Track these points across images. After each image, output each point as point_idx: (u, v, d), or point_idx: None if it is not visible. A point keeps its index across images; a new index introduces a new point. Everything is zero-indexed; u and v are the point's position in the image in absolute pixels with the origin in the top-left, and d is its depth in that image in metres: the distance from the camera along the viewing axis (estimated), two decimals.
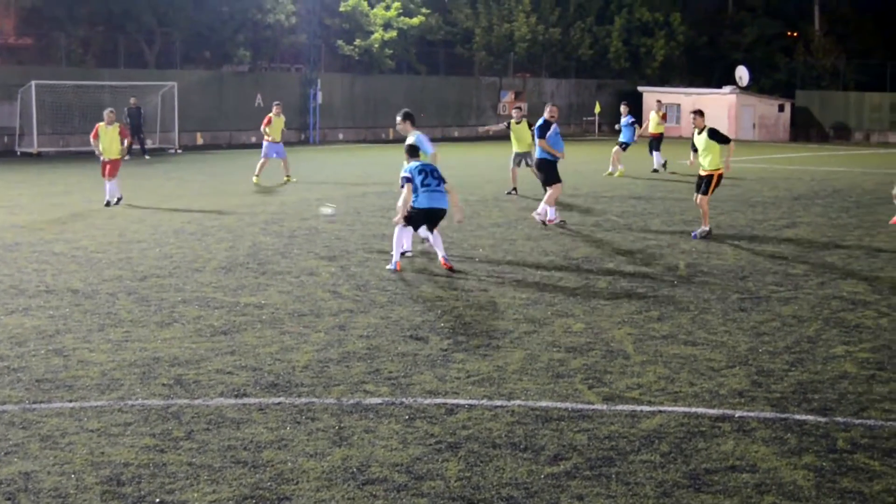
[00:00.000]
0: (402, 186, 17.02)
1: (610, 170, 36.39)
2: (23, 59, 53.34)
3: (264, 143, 32.50)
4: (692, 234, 21.01)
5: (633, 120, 37.87)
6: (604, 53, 71.43)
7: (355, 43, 57.98)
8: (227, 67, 56.39)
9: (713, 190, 21.11)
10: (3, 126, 45.32)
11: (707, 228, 21.09)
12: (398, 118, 19.11)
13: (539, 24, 67.22)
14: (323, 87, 55.36)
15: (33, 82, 43.99)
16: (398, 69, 61.91)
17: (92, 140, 26.19)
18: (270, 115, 32.63)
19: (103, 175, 25.87)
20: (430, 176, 17.17)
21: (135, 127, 42.24)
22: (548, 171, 23.05)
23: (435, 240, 17.24)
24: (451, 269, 16.76)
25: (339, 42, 58.06)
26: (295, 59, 60.15)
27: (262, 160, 32.52)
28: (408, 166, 17.30)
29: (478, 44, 66.40)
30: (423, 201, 16.97)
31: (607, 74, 72.27)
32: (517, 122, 29.06)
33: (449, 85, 63.82)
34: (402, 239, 17.42)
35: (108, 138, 25.90)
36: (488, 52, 66.71)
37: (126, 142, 26.90)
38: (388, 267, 16.89)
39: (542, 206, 22.71)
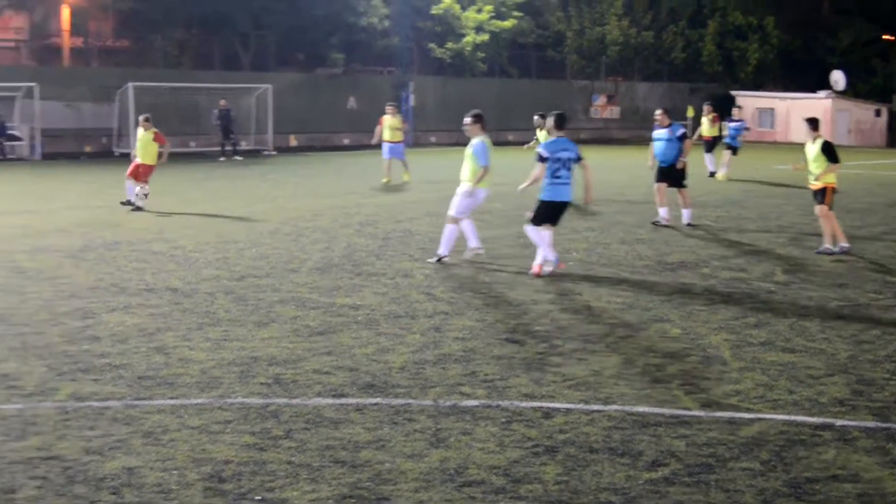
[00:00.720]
0: (539, 161, 16.75)
1: (722, 171, 36.13)
2: (120, 62, 54.24)
3: (384, 145, 33.50)
4: (822, 250, 19.46)
5: (744, 124, 37.41)
6: (697, 57, 70.91)
7: (447, 46, 58.18)
8: (321, 70, 56.81)
9: (829, 202, 19.44)
10: (101, 127, 46.08)
11: (837, 246, 19.32)
12: (467, 119, 17.87)
13: (631, 28, 66.92)
14: (415, 90, 55.59)
15: (131, 84, 44.68)
16: (490, 72, 61.97)
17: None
18: (385, 116, 33.75)
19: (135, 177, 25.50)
20: (564, 167, 16.71)
21: (224, 128, 42.74)
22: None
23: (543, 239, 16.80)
24: (544, 274, 16.52)
25: (432, 45, 58.29)
26: (387, 61, 60.44)
27: (386, 161, 33.35)
28: (547, 143, 16.96)
29: (570, 47, 66.29)
30: (549, 193, 16.70)
31: (700, 78, 71.71)
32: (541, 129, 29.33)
33: (540, 88, 63.73)
34: (543, 238, 16.85)
35: (142, 143, 25.93)
36: (580, 55, 66.57)
37: (164, 149, 26.24)
38: (545, 269, 16.75)
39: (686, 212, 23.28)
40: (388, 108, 34.39)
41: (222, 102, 43.79)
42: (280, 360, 11.41)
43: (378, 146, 34.30)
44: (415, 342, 12.25)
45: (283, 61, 57.07)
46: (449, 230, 17.60)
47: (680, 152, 23.15)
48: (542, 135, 26.56)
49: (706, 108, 38.89)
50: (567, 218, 23.64)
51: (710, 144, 38.17)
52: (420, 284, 15.80)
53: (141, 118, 26.69)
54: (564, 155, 16.71)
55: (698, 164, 38.13)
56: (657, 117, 23.47)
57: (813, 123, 19.62)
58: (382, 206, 25.92)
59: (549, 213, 16.79)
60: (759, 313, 14.20)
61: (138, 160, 25.62)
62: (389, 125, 33.52)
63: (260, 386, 10.42)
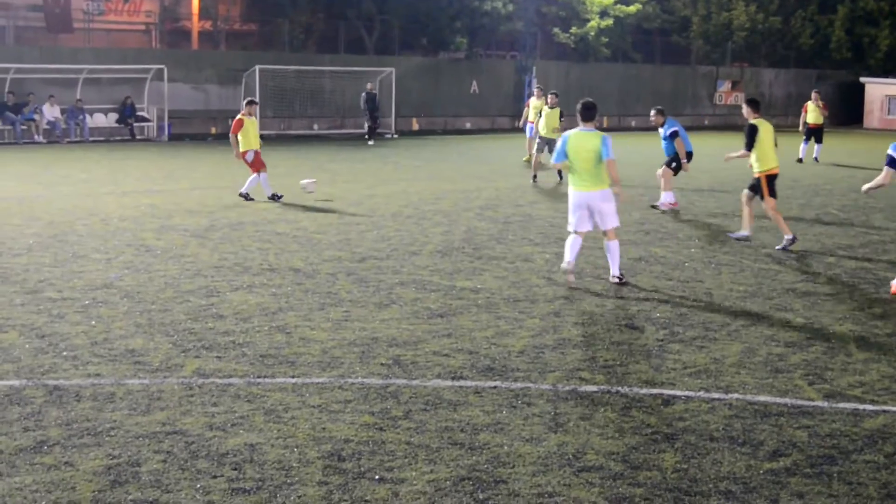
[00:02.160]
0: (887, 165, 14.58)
1: None
2: (247, 45, 54.96)
3: (528, 126, 34.90)
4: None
5: None
6: (825, 43, 69.56)
7: (571, 31, 57.89)
8: (444, 54, 56.91)
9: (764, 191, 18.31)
10: (229, 108, 46.69)
11: (739, 234, 18.93)
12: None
13: (758, 13, 65.90)
14: (538, 75, 55.39)
15: (257, 67, 45.25)
16: (613, 57, 61.52)
17: (233, 135, 23.71)
18: (532, 98, 35.30)
19: (261, 167, 23.76)
20: None
21: (371, 112, 43.06)
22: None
23: None
24: None
25: (555, 30, 58.05)
26: (510, 46, 60.37)
27: (528, 140, 34.85)
28: None
29: (695, 32, 65.53)
30: None
31: (828, 65, 70.37)
32: (551, 108, 29.80)
33: (664, 74, 63.11)
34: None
35: (254, 130, 23.79)
36: (705, 40, 65.77)
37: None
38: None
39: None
40: (536, 91, 35.61)
41: (369, 86, 44.08)
42: (400, 341, 11.49)
43: (520, 129, 34.68)
44: (534, 326, 12.25)
45: (407, 45, 57.27)
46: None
47: (675, 152, 23.36)
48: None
49: (814, 94, 38.14)
50: (689, 205, 23.46)
51: (817, 132, 37.56)
52: (540, 269, 15.79)
53: (249, 104, 24.38)
54: None
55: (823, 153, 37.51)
56: (651, 118, 23.42)
57: (753, 105, 19.06)
58: (503, 191, 25.92)
59: None
60: (885, 304, 13.93)
61: (256, 148, 23.74)
62: (535, 107, 34.16)
63: (380, 367, 10.51)
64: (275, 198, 23.48)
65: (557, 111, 29.65)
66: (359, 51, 53.97)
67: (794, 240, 18.10)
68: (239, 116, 23.68)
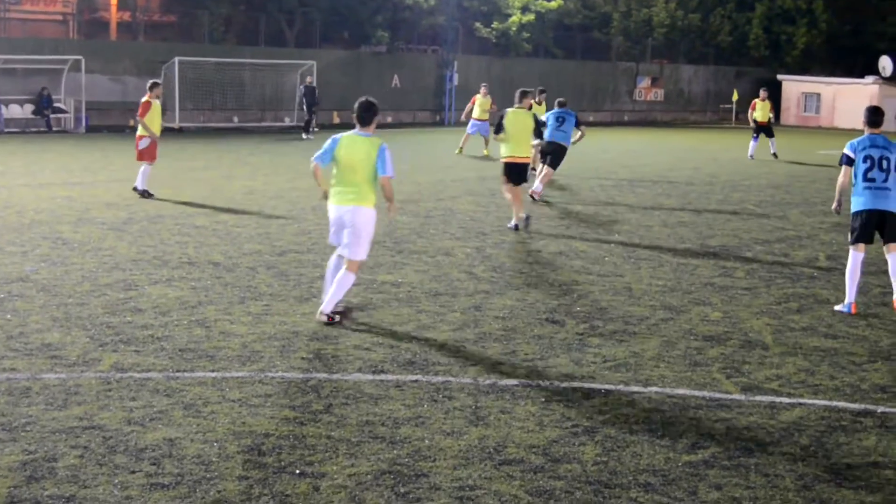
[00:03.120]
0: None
1: None
2: (166, 36, 54.44)
3: (471, 122, 36.12)
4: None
5: None
6: (743, 40, 70.36)
7: (493, 25, 58.03)
8: (365, 48, 56.78)
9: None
10: None
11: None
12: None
13: (678, 10, 66.51)
14: (459, 70, 55.48)
15: (176, 58, 44.84)
16: (535, 53, 61.75)
17: (141, 119, 22.77)
18: (476, 96, 36.74)
19: (150, 159, 22.78)
20: (878, 167, 13.51)
21: (310, 105, 42.76)
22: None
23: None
24: None
25: (477, 24, 58.16)
26: (432, 40, 60.36)
27: (465, 135, 36.08)
28: (854, 142, 13.79)
29: (615, 28, 65.97)
30: (861, 201, 13.69)
31: (746, 62, 71.21)
32: (538, 105, 30.43)
33: (585, 69, 63.47)
34: (856, 269, 13.71)
35: (157, 116, 22.99)
36: (626, 37, 66.24)
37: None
38: (837, 308, 13.65)
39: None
40: (482, 90, 37.30)
41: (308, 79, 43.78)
42: (321, 335, 11.45)
43: (440, 123, 34.84)
44: (455, 320, 12.26)
45: (328, 38, 57.04)
46: None
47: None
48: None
49: (762, 93, 38.67)
50: (609, 200, 23.65)
51: (766, 129, 38.18)
52: (461, 263, 15.81)
53: (158, 87, 23.31)
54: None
55: (740, 149, 37.97)
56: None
57: (523, 95, 19.89)
58: (424, 185, 25.92)
59: None
60: (801, 298, 14.13)
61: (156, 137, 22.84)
62: (480, 104, 36.15)
63: (300, 360, 10.46)
64: (146, 194, 22.24)
65: (543, 108, 30.28)
66: (279, 44, 53.68)
67: (527, 218, 19.11)
68: (146, 99, 22.72)
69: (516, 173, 19.46)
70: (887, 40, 72.11)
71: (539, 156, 24.28)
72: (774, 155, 38.10)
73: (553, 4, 59.02)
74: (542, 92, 32.02)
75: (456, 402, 9.31)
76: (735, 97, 64.31)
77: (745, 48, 70.58)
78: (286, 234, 17.98)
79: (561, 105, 25.35)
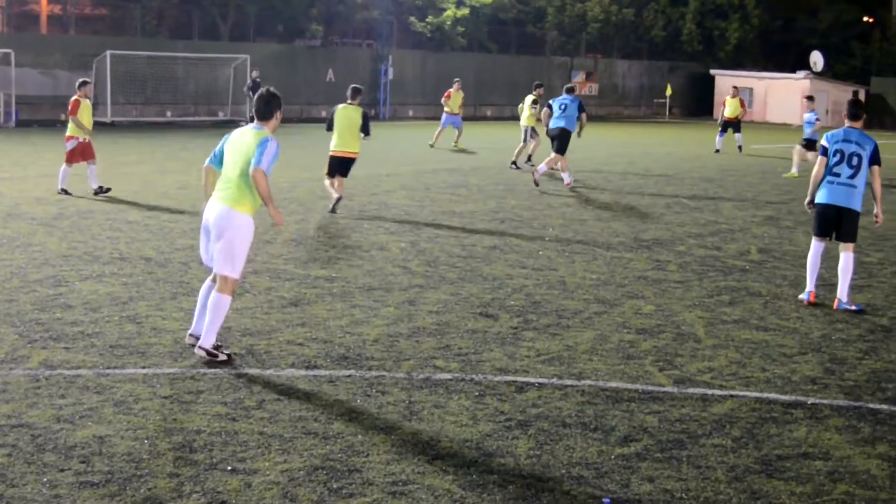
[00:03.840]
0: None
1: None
2: (98, 30, 53.90)
3: (444, 115, 37.52)
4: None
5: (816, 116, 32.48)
6: (677, 35, 70.86)
7: (427, 20, 57.98)
8: (300, 42, 56.53)
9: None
10: None
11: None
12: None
13: (612, 5, 66.84)
14: (394, 64, 55.40)
15: (108, 52, 44.40)
16: (469, 47, 61.77)
17: (73, 117, 22.14)
18: (451, 90, 37.61)
19: (87, 159, 22.15)
20: (846, 162, 13.47)
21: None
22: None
23: (845, 266, 13.62)
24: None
25: (412, 19, 58.08)
26: (367, 34, 60.22)
27: (440, 129, 37.48)
28: (829, 133, 13.84)
29: (550, 23, 66.15)
30: (823, 195, 13.70)
31: (680, 57, 71.71)
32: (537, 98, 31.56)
33: (520, 64, 63.56)
34: (815, 259, 13.88)
35: (88, 115, 22.44)
36: (560, 31, 66.45)
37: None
38: (800, 297, 13.92)
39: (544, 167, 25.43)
40: (455, 84, 38.17)
41: (255, 73, 43.39)
42: (253, 330, 11.37)
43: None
44: (389, 315, 12.23)
45: (262, 32, 56.73)
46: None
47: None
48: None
49: (733, 90, 40.37)
50: (544, 194, 23.73)
51: (735, 125, 39.57)
52: (395, 258, 15.77)
53: (89, 86, 22.98)
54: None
55: (673, 143, 38.24)
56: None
57: (355, 92, 21.40)
58: (359, 179, 25.79)
59: None
60: (733, 291, 14.24)
61: (88, 137, 22.25)
62: (454, 98, 37.42)
63: (233, 356, 10.37)
64: (101, 190, 21.80)
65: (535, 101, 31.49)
66: (213, 37, 53.29)
67: (339, 199, 20.09)
68: (75, 97, 22.27)
69: (342, 167, 20.60)
70: (818, 35, 73.04)
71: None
72: (739, 148, 39.30)
73: None
74: (538, 86, 32.38)
75: (389, 397, 9.28)
76: (669, 92, 64.75)
77: (679, 43, 71.09)
78: None
79: (569, 91, 27.45)
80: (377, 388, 9.50)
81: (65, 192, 21.83)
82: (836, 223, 13.61)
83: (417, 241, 17.24)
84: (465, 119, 38.68)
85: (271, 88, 11.00)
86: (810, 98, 32.61)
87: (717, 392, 9.76)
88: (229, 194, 10.33)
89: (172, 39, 51.33)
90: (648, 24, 69.68)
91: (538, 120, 29.65)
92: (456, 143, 37.33)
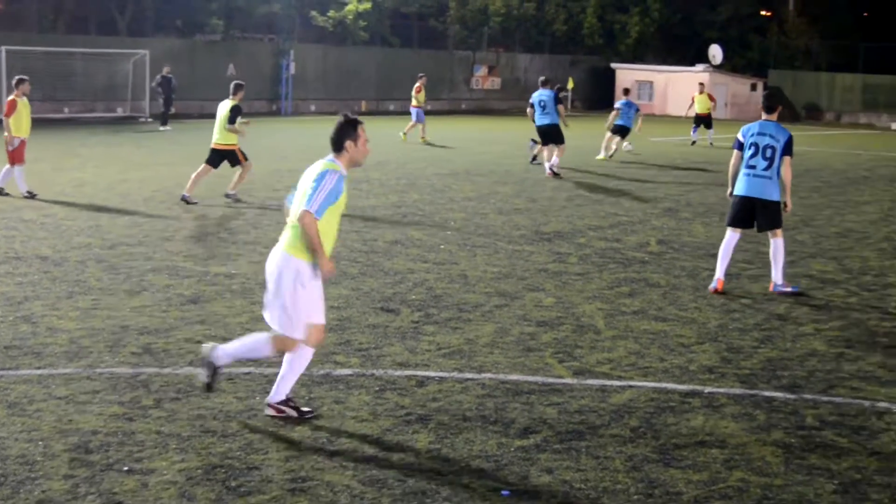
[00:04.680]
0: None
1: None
2: None
3: (414, 109, 38.47)
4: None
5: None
6: (578, 29, 71.33)
7: (329, 14, 57.73)
8: (200, 36, 56.02)
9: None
10: None
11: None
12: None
13: None
14: (296, 58, 55.06)
15: (3, 48, 43.55)
16: (372, 41, 61.64)
17: (7, 119, 21.52)
18: (419, 84, 38.93)
19: (21, 161, 21.50)
20: (761, 155, 13.80)
21: (167, 96, 41.71)
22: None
23: (774, 252, 14.11)
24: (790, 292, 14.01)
25: (313, 13, 57.79)
26: (268, 29, 59.84)
27: (413, 123, 38.33)
28: (745, 127, 14.16)
29: (452, 17, 66.22)
30: (740, 186, 13.99)
31: (581, 50, 72.17)
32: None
33: (422, 58, 63.51)
34: (727, 249, 14.20)
35: (27, 114, 21.80)
36: (462, 25, 66.54)
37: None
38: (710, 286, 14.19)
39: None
40: (423, 80, 39.62)
41: (166, 69, 42.75)
42: (151, 329, 11.24)
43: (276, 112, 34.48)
44: None
45: (161, 27, 56.15)
46: None
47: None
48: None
49: (700, 86, 42.35)
50: (445, 189, 23.76)
51: (706, 120, 41.03)
52: None
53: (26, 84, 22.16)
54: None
55: (575, 136, 38.55)
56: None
57: (236, 88, 22.12)
58: (259, 175, 25.65)
59: None
60: (632, 283, 14.37)
61: (24, 137, 21.64)
62: (422, 92, 38.89)
63: (130, 355, 10.26)
64: (30, 195, 21.05)
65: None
66: (111, 32, 52.64)
67: (185, 198, 20.56)
68: (11, 97, 21.66)
69: (217, 158, 21.51)
70: (717, 29, 73.94)
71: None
72: (711, 144, 40.14)
73: None
74: (555, 86, 31.77)
75: (290, 393, 9.21)
76: (570, 85, 65.10)
77: (580, 37, 71.56)
78: (117, 226, 17.62)
79: (543, 84, 28.48)
80: None
81: (30, 194, 21.10)
82: (753, 215, 13.90)
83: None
84: (366, 114, 38.72)
85: (348, 114, 8.91)
86: (626, 90, 35.99)
87: (616, 383, 9.85)
88: (286, 238, 8.81)
89: (70, 34, 50.58)
90: (550, 17, 70.04)
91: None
92: (423, 137, 38.01)
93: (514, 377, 9.91)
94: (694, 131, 41.62)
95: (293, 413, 8.64)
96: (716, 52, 67.20)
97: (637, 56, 72.49)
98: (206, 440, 8.07)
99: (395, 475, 7.51)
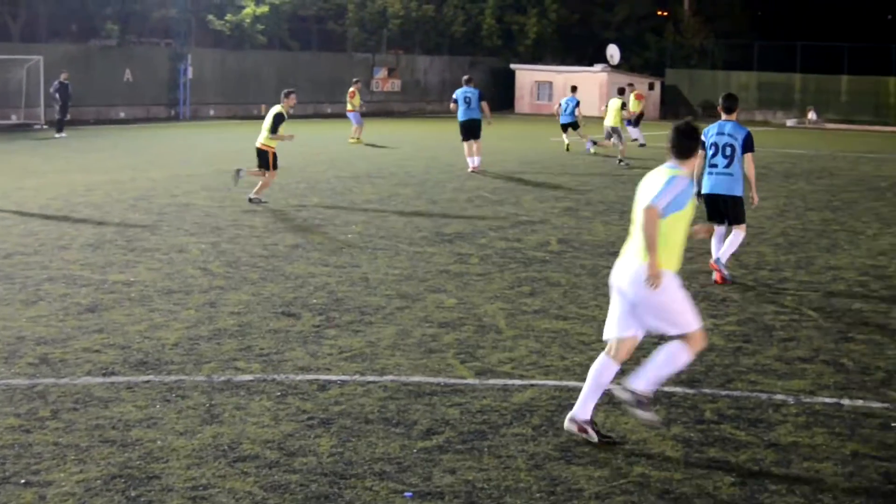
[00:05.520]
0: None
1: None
2: None
3: (352, 113, 39.74)
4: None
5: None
6: (477, 31, 71.59)
7: (226, 18, 57.26)
8: (95, 41, 55.23)
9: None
10: None
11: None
12: None
13: (412, 1, 67.12)
14: (193, 63, 54.56)
15: None
16: (270, 45, 61.26)
17: None
18: (353, 89, 40.38)
19: None
20: (721, 153, 14.51)
21: (64, 103, 40.85)
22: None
23: (733, 239, 14.79)
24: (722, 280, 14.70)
25: (210, 17, 57.28)
26: (165, 33, 59.15)
27: (356, 127, 39.30)
28: (706, 128, 14.49)
29: (351, 20, 66.06)
30: (706, 185, 14.68)
31: (480, 52, 72.42)
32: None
33: (321, 61, 63.33)
34: (717, 243, 14.87)
35: None
36: (361, 28, 66.40)
37: None
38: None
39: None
40: (358, 84, 41.21)
41: (63, 75, 41.88)
42: (48, 339, 11.07)
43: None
44: (189, 318, 12.05)
45: (55, 32, 55.29)
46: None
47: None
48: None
49: (627, 89, 42.67)
50: (346, 192, 23.72)
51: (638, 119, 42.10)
52: (195, 259, 15.55)
53: None
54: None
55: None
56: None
57: (285, 94, 22.58)
58: (158, 181, 25.41)
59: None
60: (533, 282, 14.45)
61: None
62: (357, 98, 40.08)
63: (26, 366, 10.09)
64: None
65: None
66: (3, 38, 51.70)
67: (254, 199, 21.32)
68: None
69: (264, 159, 21.78)
70: (614, 29, 74.77)
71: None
72: (635, 140, 41.15)
73: None
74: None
75: (189, 400, 9.15)
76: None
77: (479, 38, 71.80)
78: (12, 235, 17.32)
79: (467, 82, 29.86)
80: (177, 393, 9.36)
81: None
82: (724, 209, 14.70)
83: (218, 241, 17.03)
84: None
85: (690, 121, 8.93)
86: (574, 88, 39.09)
87: (518, 382, 9.90)
88: (637, 247, 8.44)
89: None
90: (449, 19, 70.19)
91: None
92: (358, 138, 38.88)
93: (416, 379, 9.92)
94: (635, 132, 41.86)
95: (594, 437, 8.33)
96: (613, 52, 67.88)
97: (536, 57, 72.97)
98: (105, 450, 7.97)
99: (297, 480, 7.47)
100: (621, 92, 36.78)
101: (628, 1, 76.96)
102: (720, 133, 14.51)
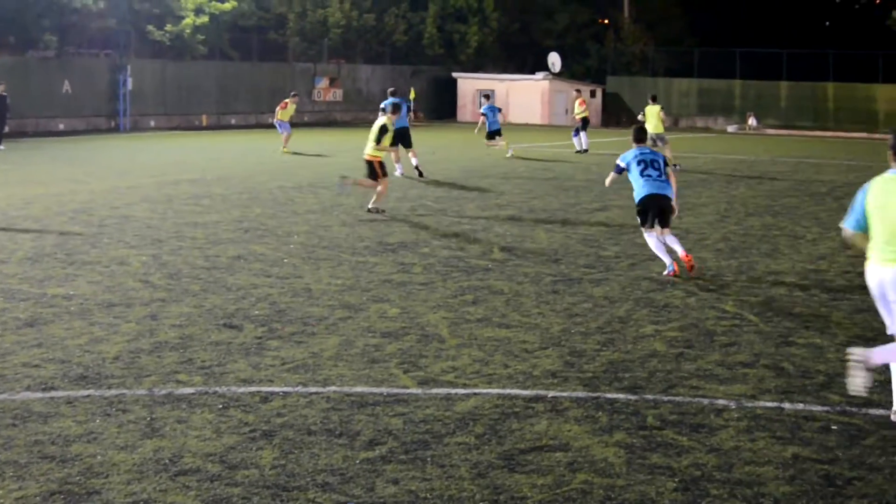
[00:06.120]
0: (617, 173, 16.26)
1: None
2: None
3: (279, 123, 40.09)
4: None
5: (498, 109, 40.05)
6: (418, 39, 71.70)
7: (166, 28, 56.94)
8: (32, 53, 54.73)
9: None
10: None
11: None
12: None
13: (353, 10, 67.07)
14: (133, 74, 54.22)
15: None
16: (211, 55, 60.98)
17: None
18: (287, 100, 40.61)
19: None
20: (651, 167, 15.70)
21: (1, 117, 40.21)
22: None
23: (671, 241, 15.77)
24: (691, 267, 15.63)
25: (150, 27, 56.93)
26: (104, 44, 58.69)
27: (285, 135, 39.62)
28: (625, 154, 16.08)
29: (292, 30, 65.93)
30: (642, 191, 15.62)
31: (422, 60, 72.55)
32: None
33: (262, 71, 63.18)
34: (657, 243, 15.81)
35: None
36: (302, 38, 66.30)
37: None
38: (664, 273, 15.73)
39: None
40: (295, 98, 41.35)
41: (1, 87, 41.24)
42: None
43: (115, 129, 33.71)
44: (130, 331, 11.95)
45: None
46: None
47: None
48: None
49: (575, 93, 44.31)
50: (289, 202, 23.64)
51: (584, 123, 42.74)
52: (136, 272, 15.43)
53: None
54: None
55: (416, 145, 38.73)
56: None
57: (393, 108, 23.33)
58: (98, 193, 25.20)
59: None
60: (476, 290, 14.46)
61: None
62: (290, 110, 40.36)
63: None
64: None
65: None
66: None
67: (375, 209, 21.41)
68: None
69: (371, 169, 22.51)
70: (555, 37, 75.19)
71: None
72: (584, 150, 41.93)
73: (227, 6, 58.41)
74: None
75: (130, 414, 9.06)
76: (412, 95, 65.32)
77: (421, 47, 71.94)
78: None
79: (392, 94, 30.81)
80: (117, 407, 9.27)
81: None
82: (657, 211, 15.53)
83: (159, 253, 16.91)
84: (208, 128, 38.30)
85: None
86: (486, 96, 41.96)
87: (461, 391, 9.90)
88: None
89: None
90: (390, 28, 70.23)
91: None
92: (285, 148, 39.19)
93: (359, 389, 9.90)
94: (575, 136, 42.69)
95: None
96: (555, 60, 68.29)
97: (478, 65, 73.23)
98: (45, 466, 7.88)
99: (239, 493, 7.43)
100: (654, 99, 36.55)
101: (568, 9, 77.42)
102: (642, 153, 15.80)
